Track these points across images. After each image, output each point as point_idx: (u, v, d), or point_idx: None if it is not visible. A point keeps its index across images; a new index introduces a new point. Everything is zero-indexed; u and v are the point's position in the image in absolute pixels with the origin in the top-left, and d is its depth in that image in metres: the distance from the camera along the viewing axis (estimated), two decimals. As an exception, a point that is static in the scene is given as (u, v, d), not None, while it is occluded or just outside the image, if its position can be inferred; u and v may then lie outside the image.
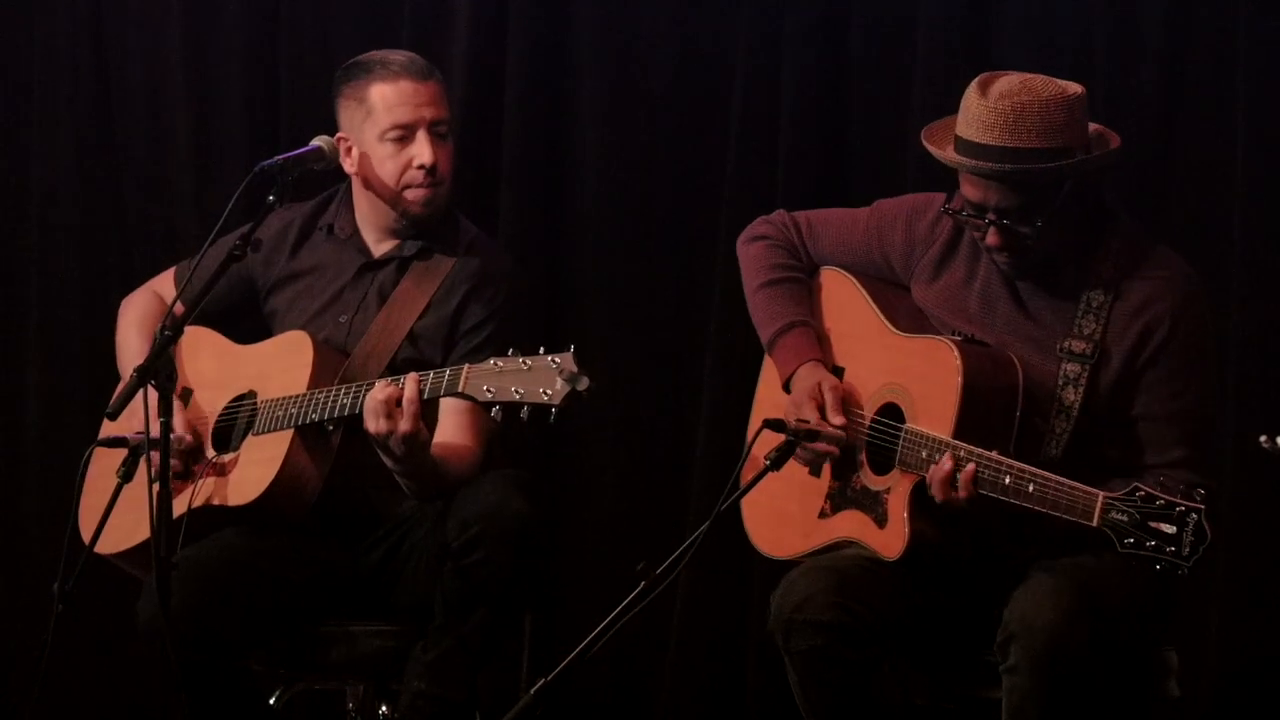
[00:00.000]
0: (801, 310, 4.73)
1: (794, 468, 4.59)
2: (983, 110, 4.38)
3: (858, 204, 4.82)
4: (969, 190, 4.45)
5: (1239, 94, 5.31)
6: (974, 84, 4.43)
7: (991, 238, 4.46)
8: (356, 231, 5.06)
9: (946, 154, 4.45)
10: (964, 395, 4.40)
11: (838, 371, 4.67)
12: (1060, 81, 4.42)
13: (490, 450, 4.88)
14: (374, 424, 4.63)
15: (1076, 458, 4.41)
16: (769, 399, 4.74)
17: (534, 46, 5.81)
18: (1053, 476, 4.26)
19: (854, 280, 4.72)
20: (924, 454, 4.40)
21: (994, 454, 4.32)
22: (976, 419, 4.40)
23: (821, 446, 4.53)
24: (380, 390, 4.63)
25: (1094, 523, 4.17)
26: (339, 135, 4.98)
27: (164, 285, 5.22)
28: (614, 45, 5.79)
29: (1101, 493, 4.18)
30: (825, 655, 4.39)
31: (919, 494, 4.41)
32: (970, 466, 4.30)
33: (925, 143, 4.50)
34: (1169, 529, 4.08)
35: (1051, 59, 5.32)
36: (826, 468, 4.61)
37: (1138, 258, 4.49)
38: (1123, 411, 4.44)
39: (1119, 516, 4.13)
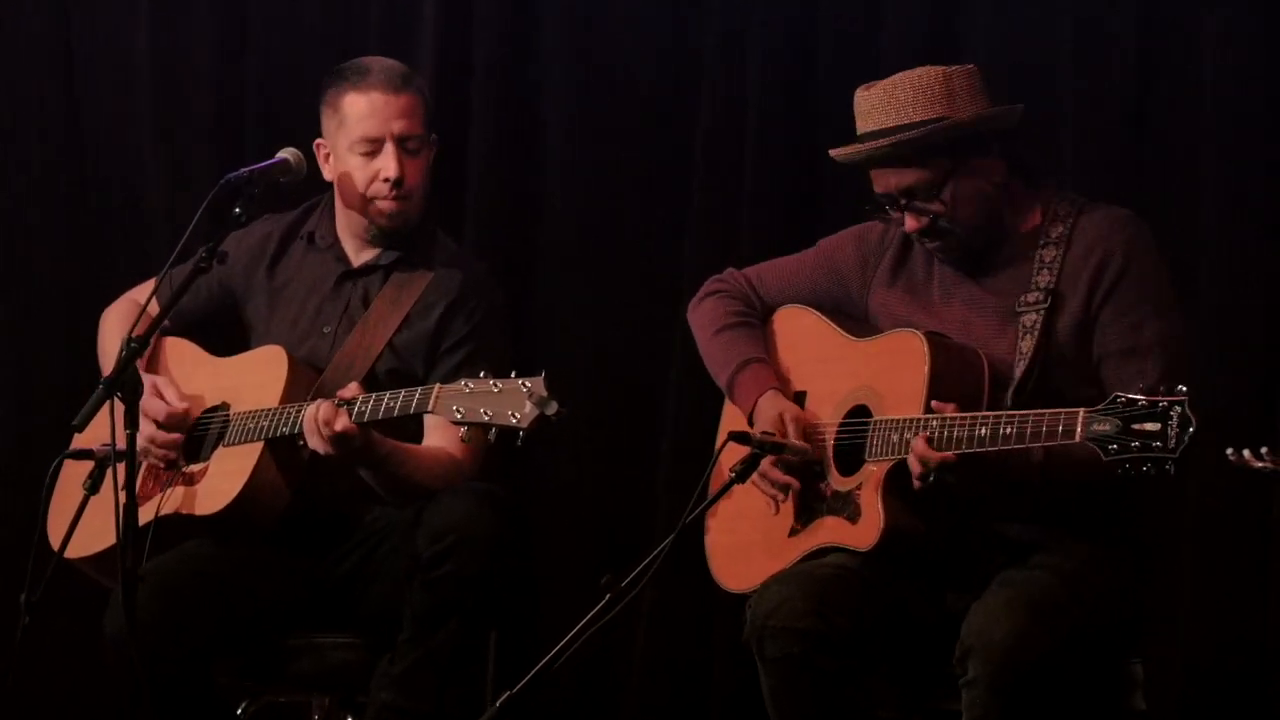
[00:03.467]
0: (756, 349, 4.73)
1: (756, 499, 4.58)
2: (861, 102, 4.47)
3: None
4: (874, 184, 4.51)
5: (1208, 91, 5.32)
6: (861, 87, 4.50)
7: (909, 223, 4.50)
8: (337, 240, 5.06)
9: (840, 152, 4.51)
10: (931, 377, 4.40)
11: (800, 397, 4.66)
12: (953, 66, 4.47)
13: (478, 459, 4.86)
14: (312, 442, 4.68)
15: (1040, 406, 4.33)
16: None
17: (500, 60, 5.82)
18: (1029, 412, 4.24)
19: (810, 309, 4.73)
20: (895, 437, 4.39)
21: (964, 413, 4.31)
22: (945, 398, 4.37)
23: (781, 477, 4.52)
24: (312, 409, 4.67)
25: (1076, 438, 4.13)
26: (318, 141, 5.01)
27: (143, 295, 5.20)
28: (582, 60, 5.80)
29: (1082, 409, 4.15)
30: (800, 663, 4.35)
31: (892, 479, 4.39)
32: (948, 454, 4.28)
33: (831, 154, 4.54)
34: (1153, 427, 4.03)
35: (1022, 63, 5.36)
36: (792, 489, 4.58)
37: (1082, 213, 4.51)
38: (1088, 351, 4.43)
39: (1102, 427, 4.09)
